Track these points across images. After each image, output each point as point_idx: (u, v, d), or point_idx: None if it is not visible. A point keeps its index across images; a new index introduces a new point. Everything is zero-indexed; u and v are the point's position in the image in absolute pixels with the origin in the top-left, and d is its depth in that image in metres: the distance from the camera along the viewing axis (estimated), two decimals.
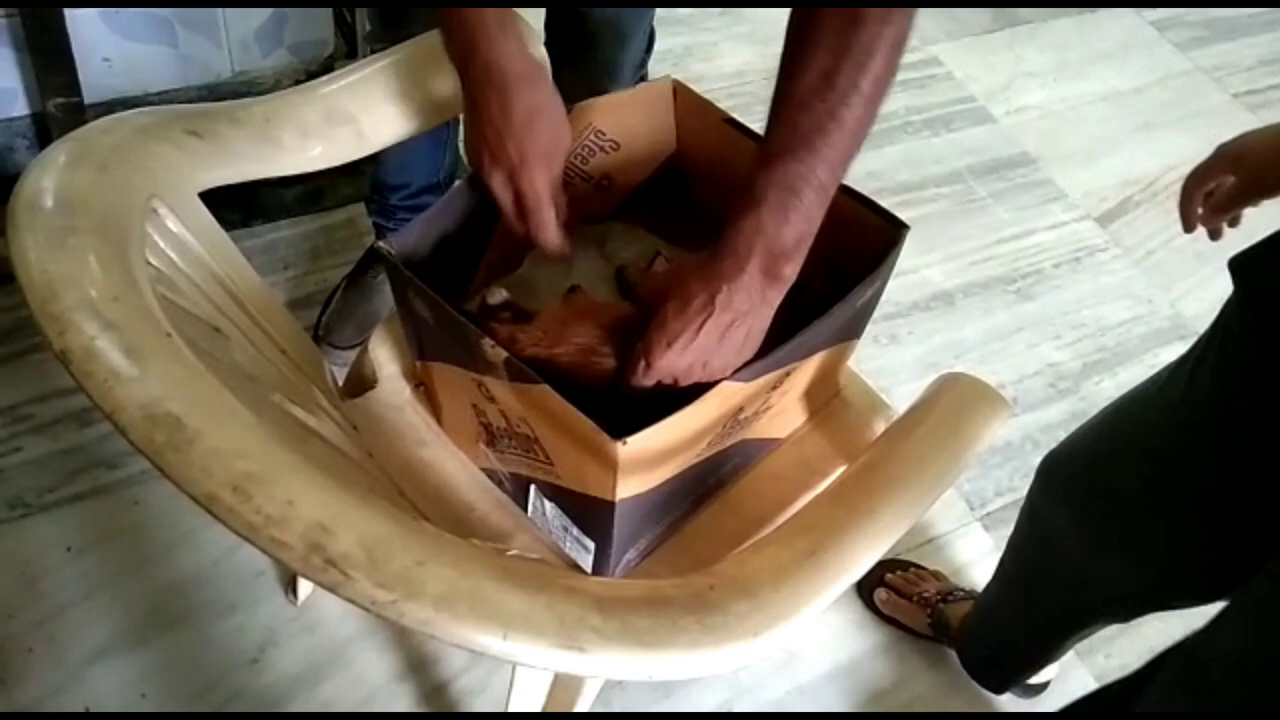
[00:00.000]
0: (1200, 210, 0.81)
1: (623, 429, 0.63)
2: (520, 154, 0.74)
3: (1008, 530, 1.39)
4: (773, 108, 0.64)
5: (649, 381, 0.67)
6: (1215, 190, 0.80)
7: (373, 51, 1.17)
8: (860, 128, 0.63)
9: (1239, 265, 0.76)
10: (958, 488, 1.43)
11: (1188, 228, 0.82)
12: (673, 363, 0.66)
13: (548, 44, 0.97)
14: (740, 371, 0.68)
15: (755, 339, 0.68)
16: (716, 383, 0.67)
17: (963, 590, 1.26)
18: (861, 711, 1.21)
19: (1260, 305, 0.74)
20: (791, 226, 0.63)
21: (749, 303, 0.65)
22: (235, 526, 0.48)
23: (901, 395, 1.47)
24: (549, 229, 0.77)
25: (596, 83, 1.23)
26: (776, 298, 0.66)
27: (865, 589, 1.28)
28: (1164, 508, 0.84)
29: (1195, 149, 1.94)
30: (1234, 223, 0.83)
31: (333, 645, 1.16)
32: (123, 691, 1.10)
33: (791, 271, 0.65)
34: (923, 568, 1.31)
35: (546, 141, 0.75)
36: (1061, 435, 1.48)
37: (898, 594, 1.26)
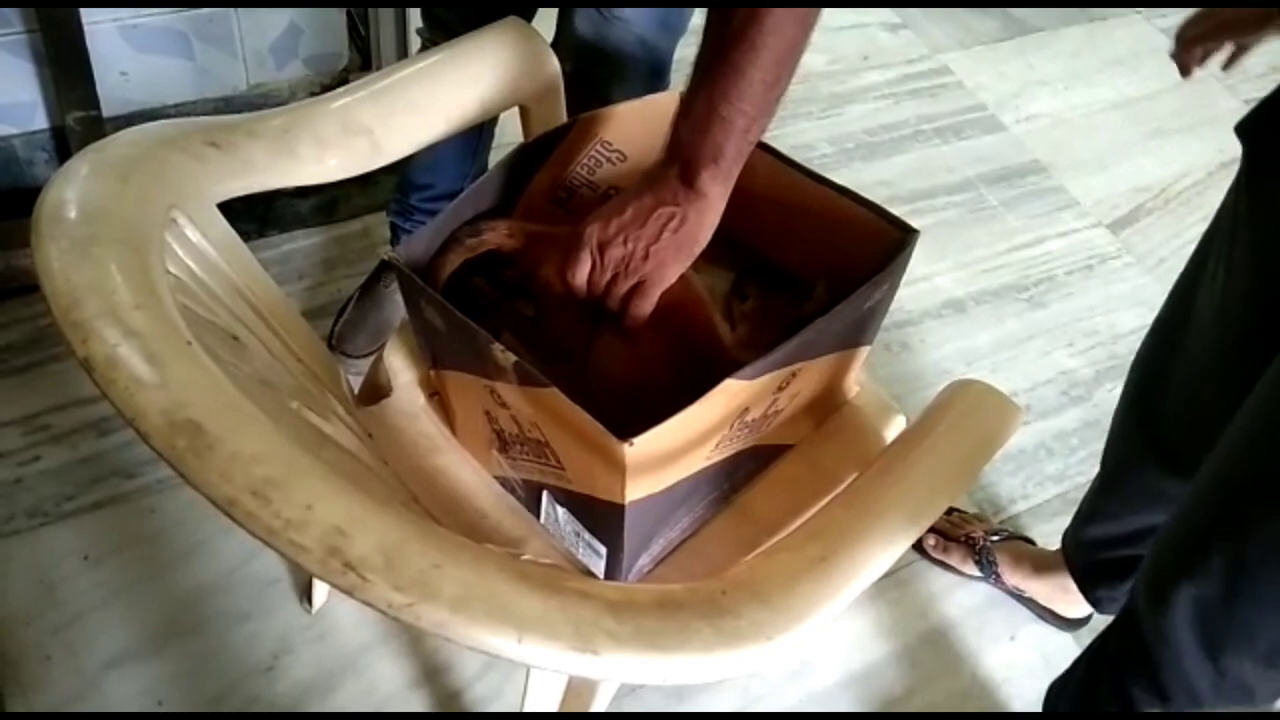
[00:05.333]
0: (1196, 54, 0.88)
1: (630, 431, 0.64)
2: None
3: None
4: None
5: (584, 256, 0.73)
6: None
7: (425, 44, 1.18)
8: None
9: (1243, 128, 0.83)
10: (971, 495, 1.42)
11: (1184, 72, 0.89)
12: (603, 235, 0.73)
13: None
14: (744, 370, 0.69)
15: (687, 237, 0.72)
16: (717, 380, 0.68)
17: (1006, 530, 1.32)
18: (873, 712, 1.21)
19: (1265, 164, 0.82)
20: (714, 144, 0.70)
21: (670, 192, 0.71)
22: (255, 530, 0.49)
23: (913, 403, 1.47)
24: None
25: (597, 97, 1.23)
26: (699, 199, 0.71)
27: None
28: (1215, 393, 0.89)
29: (1207, 156, 1.97)
30: (1230, 65, 0.89)
31: (346, 653, 1.17)
32: (139, 699, 1.11)
33: (708, 181, 0.71)
34: (964, 511, 1.36)
35: None
36: (1075, 443, 1.50)
37: (945, 537, 1.31)
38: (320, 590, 1.17)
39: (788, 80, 0.69)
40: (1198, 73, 0.89)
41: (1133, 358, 1.06)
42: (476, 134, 1.26)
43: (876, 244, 0.80)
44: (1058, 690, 1.09)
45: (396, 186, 1.39)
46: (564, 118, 0.99)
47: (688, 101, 0.70)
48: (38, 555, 1.20)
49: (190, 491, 0.51)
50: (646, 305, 0.74)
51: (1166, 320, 1.00)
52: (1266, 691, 0.85)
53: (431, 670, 1.17)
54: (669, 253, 0.72)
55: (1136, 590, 0.92)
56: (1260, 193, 0.84)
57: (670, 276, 0.74)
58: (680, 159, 0.71)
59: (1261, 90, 0.83)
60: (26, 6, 1.26)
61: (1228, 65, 0.88)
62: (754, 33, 0.65)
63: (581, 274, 0.74)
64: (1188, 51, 0.88)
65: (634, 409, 0.66)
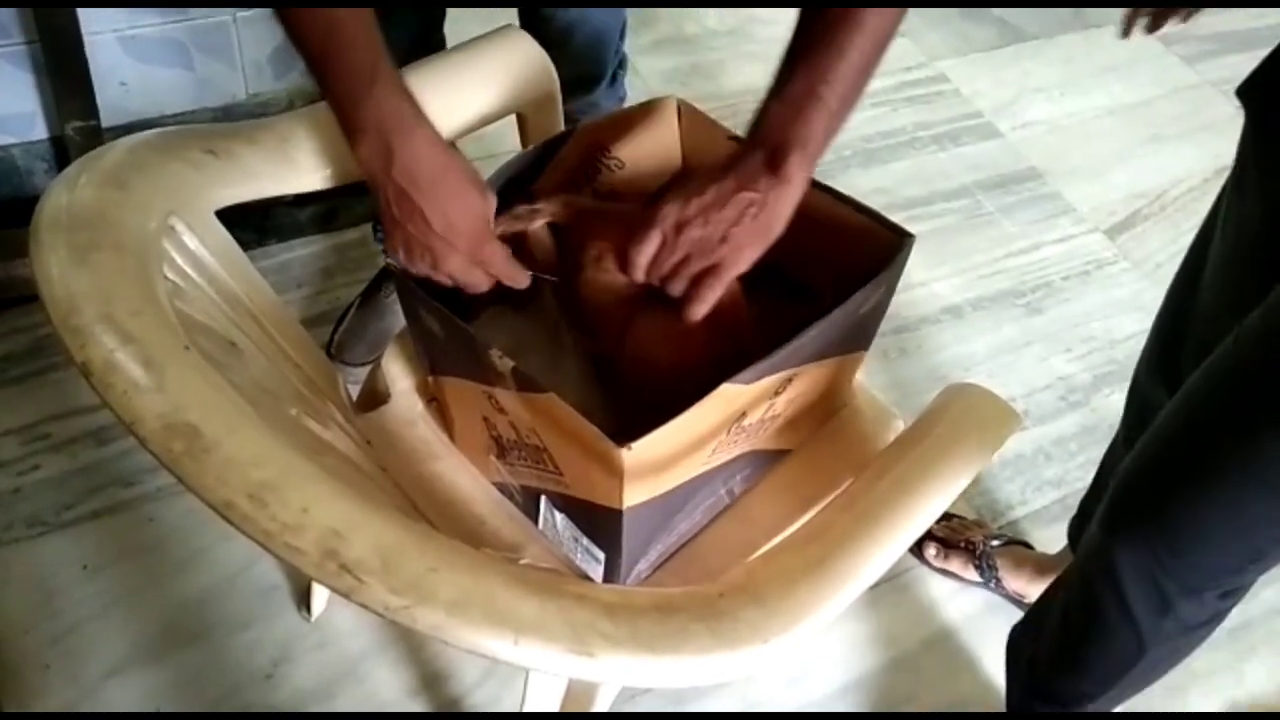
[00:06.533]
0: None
1: (628, 435, 0.64)
2: (460, 248, 0.73)
3: None
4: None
5: (653, 235, 0.71)
6: None
7: None
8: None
9: (1244, 90, 0.85)
10: (970, 501, 1.42)
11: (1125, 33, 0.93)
12: (682, 215, 0.71)
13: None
14: (740, 374, 0.69)
15: (765, 223, 0.71)
16: (718, 382, 0.67)
17: (1006, 535, 1.32)
18: (871, 711, 1.21)
19: (1268, 124, 0.83)
20: (807, 127, 0.70)
21: (753, 177, 0.70)
22: (251, 533, 0.49)
23: (911, 408, 1.46)
24: (517, 279, 0.78)
25: (577, 75, 1.28)
26: (782, 185, 0.70)
27: (915, 544, 1.30)
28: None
29: (1203, 162, 1.97)
30: (1186, 17, 0.92)
31: (346, 661, 1.17)
32: (138, 707, 1.11)
33: (795, 166, 0.70)
34: (963, 517, 1.36)
35: (475, 227, 0.74)
36: (1073, 448, 1.50)
37: (945, 544, 1.32)
38: (320, 597, 1.17)
39: (876, 65, 0.70)
40: (1137, 35, 0.93)
41: (1131, 360, 1.07)
42: None
43: (873, 249, 0.81)
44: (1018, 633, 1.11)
45: (376, 218, 1.38)
46: (561, 125, 0.99)
47: (780, 85, 0.70)
48: (37, 564, 1.20)
49: (189, 500, 0.52)
50: (716, 290, 0.72)
51: (1182, 275, 1.01)
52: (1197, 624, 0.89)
53: (431, 677, 1.17)
54: (746, 237, 0.71)
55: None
56: (1263, 157, 0.85)
57: (745, 263, 0.72)
58: (769, 143, 0.70)
59: None
60: (25, 6, 1.27)
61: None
62: (859, 11, 0.67)
63: (647, 253, 0.71)
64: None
65: (670, 396, 0.66)
